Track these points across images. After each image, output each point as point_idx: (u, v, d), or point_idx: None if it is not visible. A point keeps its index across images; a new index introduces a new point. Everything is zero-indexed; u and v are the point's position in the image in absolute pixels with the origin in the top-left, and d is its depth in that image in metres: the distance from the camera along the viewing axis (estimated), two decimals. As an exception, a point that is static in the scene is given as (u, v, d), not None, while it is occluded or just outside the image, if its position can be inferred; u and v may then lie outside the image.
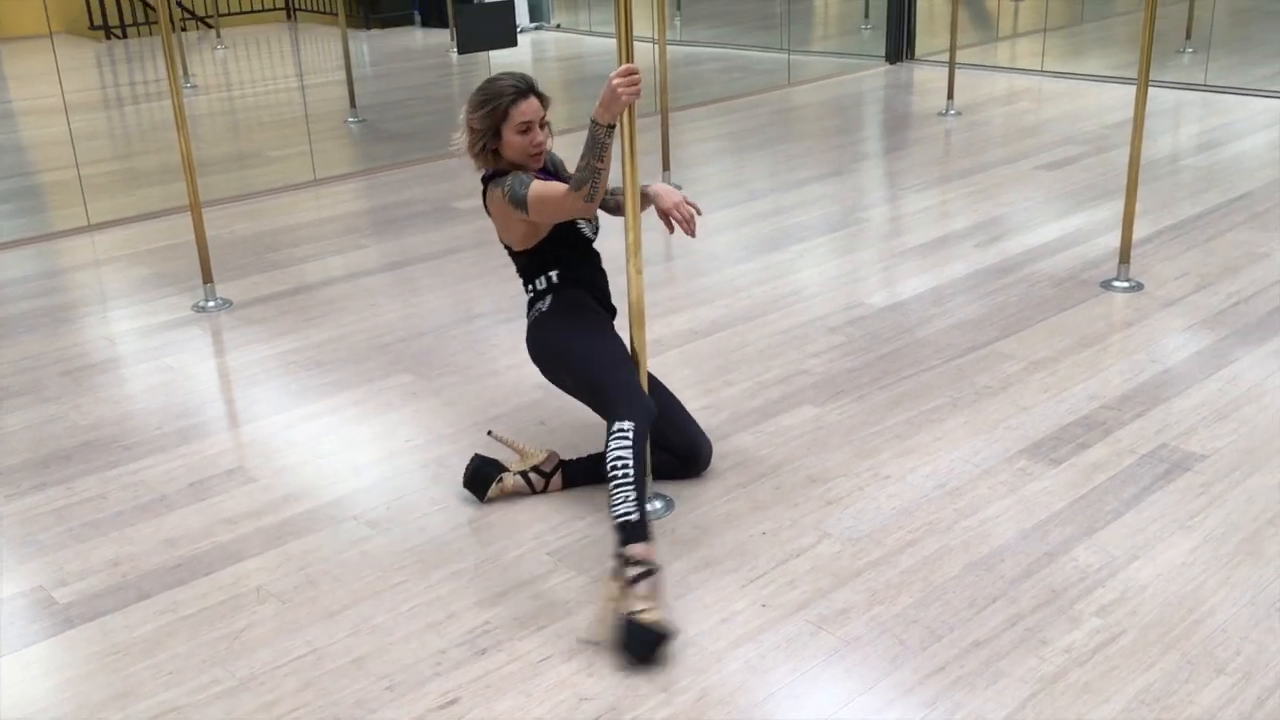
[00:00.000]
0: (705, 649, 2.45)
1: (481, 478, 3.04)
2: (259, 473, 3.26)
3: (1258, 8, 11.57)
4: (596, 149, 2.70)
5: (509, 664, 2.43)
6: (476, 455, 3.08)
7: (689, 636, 2.49)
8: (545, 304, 3.09)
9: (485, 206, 3.12)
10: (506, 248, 3.15)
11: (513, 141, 2.98)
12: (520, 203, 2.93)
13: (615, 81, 2.60)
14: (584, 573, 2.74)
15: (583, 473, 3.08)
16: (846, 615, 2.55)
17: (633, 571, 2.48)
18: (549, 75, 10.41)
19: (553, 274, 3.07)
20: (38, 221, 5.97)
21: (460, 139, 3.06)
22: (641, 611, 2.43)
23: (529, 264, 3.11)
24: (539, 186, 2.90)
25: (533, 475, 3.05)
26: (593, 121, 2.69)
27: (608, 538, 2.86)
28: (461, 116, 3.04)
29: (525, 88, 2.97)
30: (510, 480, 3.04)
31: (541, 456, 3.07)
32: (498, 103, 2.96)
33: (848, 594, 2.63)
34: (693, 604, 2.61)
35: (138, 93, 9.76)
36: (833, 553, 2.79)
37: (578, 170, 2.76)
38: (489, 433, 3.19)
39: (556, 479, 3.07)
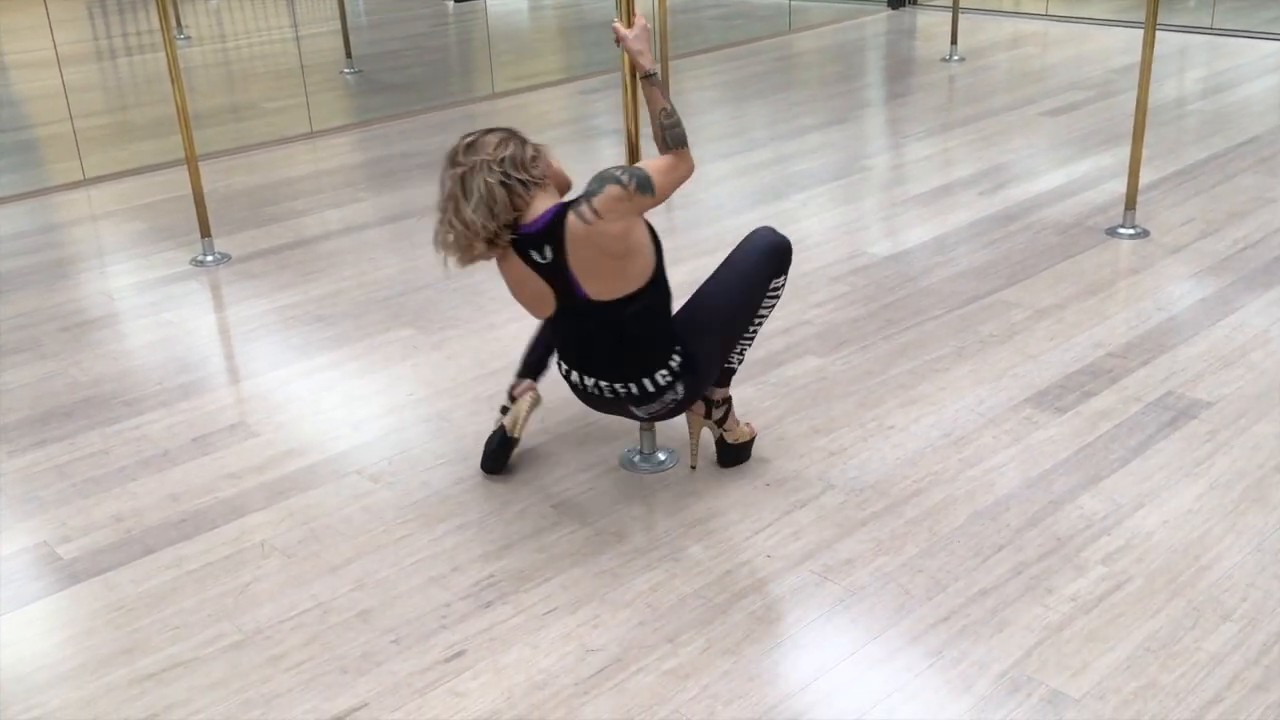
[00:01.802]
0: (710, 600, 2.45)
1: (500, 451, 2.94)
2: (261, 427, 3.25)
3: (1265, -51, 11.40)
4: (661, 99, 2.55)
5: (514, 616, 2.43)
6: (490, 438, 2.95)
7: (694, 588, 2.49)
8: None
9: (562, 263, 2.51)
10: (618, 304, 2.57)
11: (552, 163, 2.67)
12: (648, 184, 2.48)
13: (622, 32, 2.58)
14: (588, 525, 2.73)
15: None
16: (851, 565, 2.55)
17: (719, 409, 2.84)
18: (546, 23, 10.29)
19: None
20: (32, 176, 5.91)
21: (450, 238, 2.60)
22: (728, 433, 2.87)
23: (663, 296, 2.64)
24: (645, 163, 2.54)
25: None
26: (646, 77, 2.59)
27: (611, 490, 2.86)
28: (451, 208, 2.56)
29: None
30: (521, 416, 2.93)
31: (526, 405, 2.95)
32: (510, 134, 2.61)
33: (853, 544, 2.62)
34: (696, 555, 2.60)
35: (130, 45, 9.65)
36: (837, 503, 2.78)
37: (669, 129, 2.54)
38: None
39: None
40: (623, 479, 2.92)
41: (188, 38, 9.06)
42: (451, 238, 2.59)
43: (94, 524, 2.83)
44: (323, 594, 2.53)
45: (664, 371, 2.63)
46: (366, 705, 2.20)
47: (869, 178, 5.20)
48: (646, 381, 2.63)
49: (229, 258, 4.53)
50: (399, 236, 4.70)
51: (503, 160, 2.54)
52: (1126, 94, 6.30)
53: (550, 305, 2.63)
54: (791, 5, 9.05)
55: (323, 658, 2.33)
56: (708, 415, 2.87)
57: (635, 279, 2.56)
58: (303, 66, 7.28)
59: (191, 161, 4.48)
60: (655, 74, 2.61)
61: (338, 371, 3.57)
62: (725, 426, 2.90)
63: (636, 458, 2.99)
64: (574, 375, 2.74)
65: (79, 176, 5.63)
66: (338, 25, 7.90)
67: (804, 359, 3.50)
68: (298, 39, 8.43)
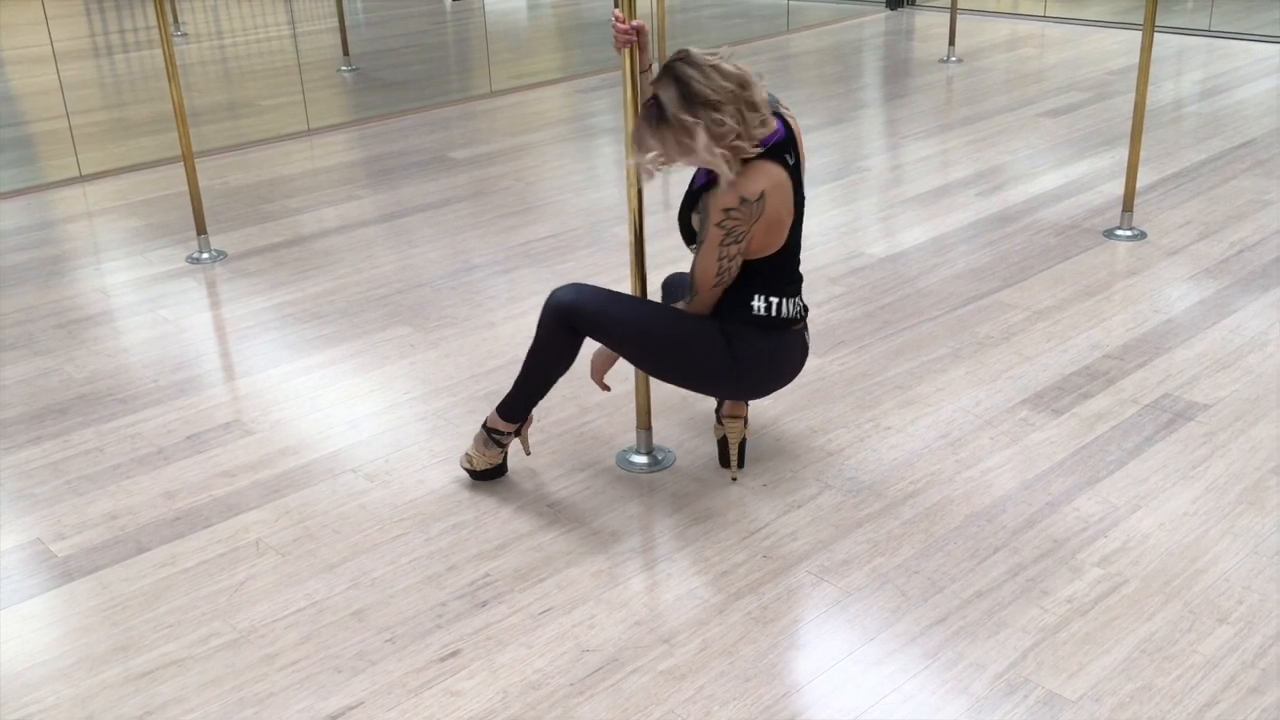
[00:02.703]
0: (707, 601, 2.45)
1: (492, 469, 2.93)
2: (256, 425, 3.24)
3: (1263, -48, 11.41)
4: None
5: (510, 616, 2.42)
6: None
7: (690, 588, 2.49)
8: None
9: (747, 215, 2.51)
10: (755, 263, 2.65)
11: None
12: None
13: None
14: (584, 524, 2.73)
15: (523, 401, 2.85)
16: (848, 566, 2.55)
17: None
18: (544, 21, 10.28)
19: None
20: (28, 173, 5.90)
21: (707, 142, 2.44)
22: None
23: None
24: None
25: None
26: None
27: (608, 490, 2.85)
28: (702, 112, 2.43)
29: None
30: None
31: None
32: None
33: (849, 545, 2.62)
34: (694, 556, 2.60)
35: (128, 41, 9.62)
36: (834, 504, 2.77)
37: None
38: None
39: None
40: (619, 479, 2.92)
41: (185, 34, 9.05)
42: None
43: (88, 521, 2.82)
44: (317, 593, 2.52)
45: None
46: (361, 704, 2.20)
47: (867, 178, 5.20)
48: None
49: (225, 255, 4.52)
50: (396, 234, 4.70)
51: None
52: (1124, 96, 6.30)
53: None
54: (790, 5, 9.05)
55: (317, 657, 2.32)
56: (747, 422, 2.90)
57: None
58: (300, 64, 7.27)
59: (188, 158, 4.47)
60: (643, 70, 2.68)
61: (334, 369, 3.56)
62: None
63: (633, 457, 2.98)
64: (795, 305, 2.71)
65: (75, 173, 5.61)
66: (335, 23, 7.89)
67: (801, 359, 3.50)
68: (295, 36, 8.42)
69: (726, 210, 2.50)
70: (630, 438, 3.04)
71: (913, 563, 2.55)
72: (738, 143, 2.46)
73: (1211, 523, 2.66)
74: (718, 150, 2.45)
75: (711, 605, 2.43)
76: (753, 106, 2.48)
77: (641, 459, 2.97)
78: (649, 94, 2.61)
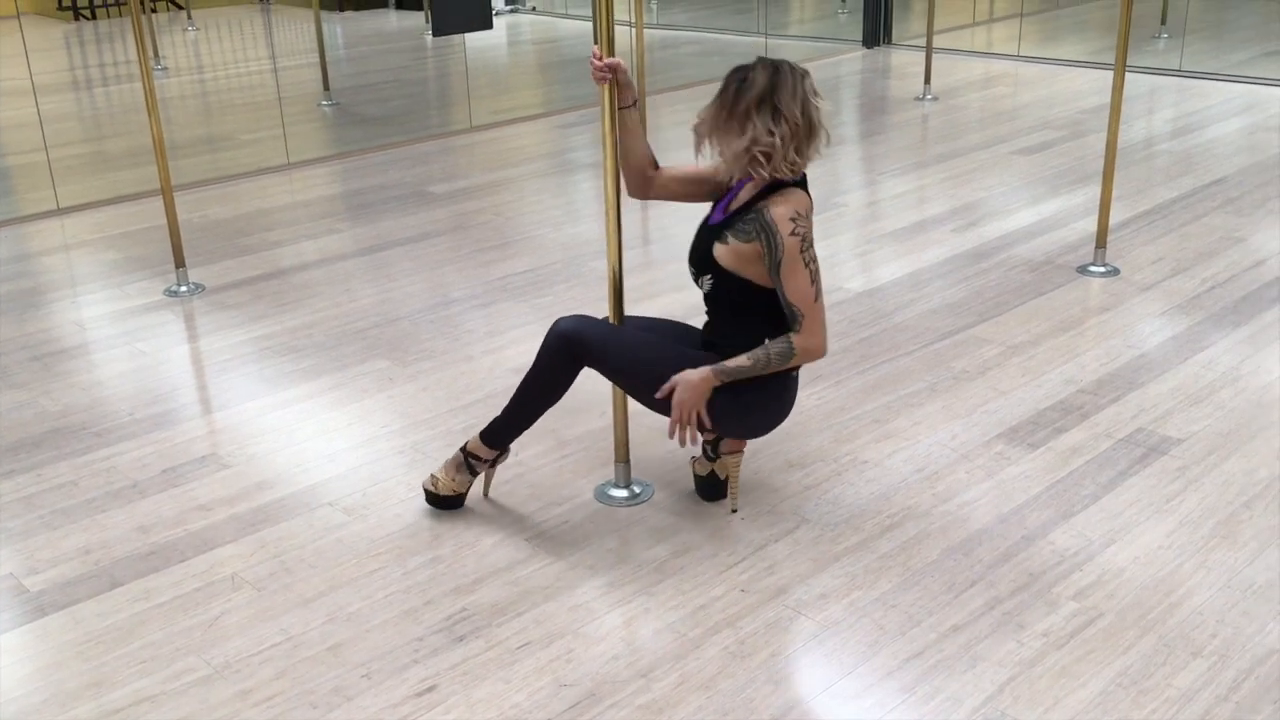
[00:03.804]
0: (684, 635, 2.44)
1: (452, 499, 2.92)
2: (232, 459, 3.22)
3: (1231, -6, 11.62)
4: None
5: (487, 650, 2.41)
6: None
7: (668, 622, 2.49)
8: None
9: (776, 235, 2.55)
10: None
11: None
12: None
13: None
14: (562, 558, 2.72)
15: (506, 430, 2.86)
16: (826, 600, 2.55)
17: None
18: (525, 59, 10.35)
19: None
20: (5, 205, 5.88)
21: (771, 141, 2.52)
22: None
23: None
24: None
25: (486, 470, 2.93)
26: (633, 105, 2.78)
27: (586, 524, 2.85)
28: (765, 118, 2.53)
29: None
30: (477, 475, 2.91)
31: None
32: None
33: (827, 579, 2.62)
34: (670, 590, 2.60)
35: (107, 75, 9.63)
36: (811, 537, 2.78)
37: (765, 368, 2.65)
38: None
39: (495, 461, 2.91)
40: (597, 513, 2.92)
41: (165, 68, 9.05)
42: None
43: (61, 556, 2.79)
44: (293, 627, 2.50)
45: None
46: (336, 741, 2.18)
47: (844, 214, 5.25)
48: None
49: (203, 288, 4.52)
50: (375, 268, 4.70)
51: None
52: (1097, 134, 6.38)
53: None
54: (768, 43, 9.14)
55: (293, 692, 2.31)
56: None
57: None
58: (280, 98, 7.29)
59: (167, 192, 4.47)
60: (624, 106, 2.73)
61: (312, 403, 3.55)
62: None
63: (611, 491, 2.98)
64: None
65: (53, 206, 5.60)
66: (316, 57, 7.92)
67: (779, 393, 3.51)
68: (276, 71, 8.45)
69: (793, 219, 2.54)
70: (609, 471, 3.04)
71: (890, 596, 2.56)
72: (771, 159, 2.53)
73: (1185, 556, 2.67)
74: (752, 149, 2.52)
75: (689, 639, 2.43)
76: (800, 150, 2.56)
77: (620, 492, 2.97)
78: (633, 132, 2.66)
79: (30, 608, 2.60)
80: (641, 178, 2.82)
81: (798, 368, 2.72)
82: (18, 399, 3.62)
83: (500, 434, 2.84)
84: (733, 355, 2.64)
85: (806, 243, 2.56)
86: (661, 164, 2.86)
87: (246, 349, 3.96)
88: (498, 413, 2.85)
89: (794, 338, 2.60)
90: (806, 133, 2.57)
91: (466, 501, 2.93)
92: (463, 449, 2.87)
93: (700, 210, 2.84)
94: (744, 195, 2.66)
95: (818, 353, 2.62)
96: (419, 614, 2.54)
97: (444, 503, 2.91)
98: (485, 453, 2.85)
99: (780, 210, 2.55)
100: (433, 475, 2.92)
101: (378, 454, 3.23)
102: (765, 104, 2.54)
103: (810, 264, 2.57)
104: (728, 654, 2.38)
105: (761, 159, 2.54)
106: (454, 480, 2.89)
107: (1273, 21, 10.20)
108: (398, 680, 2.33)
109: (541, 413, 2.81)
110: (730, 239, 2.62)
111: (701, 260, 2.72)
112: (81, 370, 3.82)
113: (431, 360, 3.82)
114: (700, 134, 2.65)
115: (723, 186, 2.77)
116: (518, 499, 2.98)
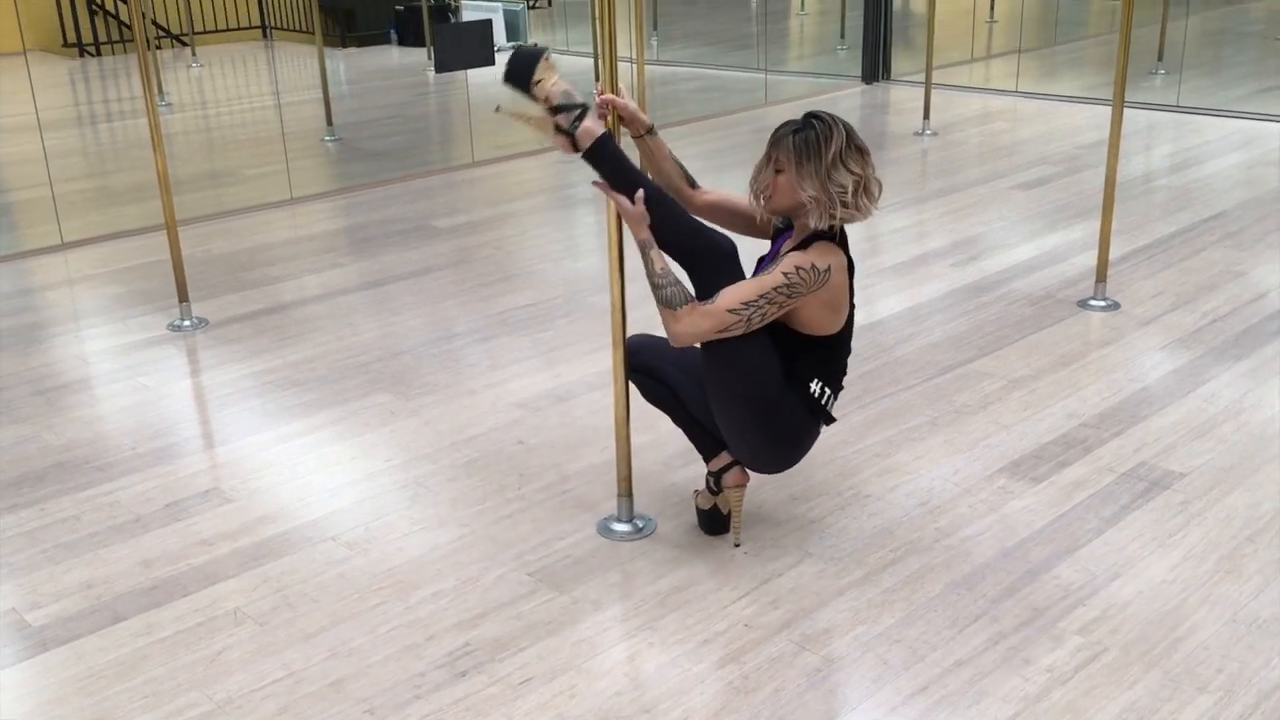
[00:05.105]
0: (688, 670, 2.44)
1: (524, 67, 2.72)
2: (235, 493, 3.22)
3: (1228, 30, 11.72)
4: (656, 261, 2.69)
5: (490, 686, 2.41)
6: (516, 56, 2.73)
7: (671, 657, 2.48)
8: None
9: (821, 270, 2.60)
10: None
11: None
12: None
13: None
14: (565, 593, 2.72)
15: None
16: (829, 635, 2.54)
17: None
18: (526, 94, 10.41)
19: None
20: (9, 240, 5.91)
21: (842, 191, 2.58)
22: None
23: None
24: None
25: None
26: (649, 132, 2.84)
27: (588, 558, 2.84)
28: (838, 168, 2.58)
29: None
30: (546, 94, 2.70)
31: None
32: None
33: (830, 614, 2.62)
34: (674, 624, 2.59)
35: (112, 110, 9.70)
36: (815, 572, 2.78)
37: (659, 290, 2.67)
38: (497, 108, 2.84)
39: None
40: (600, 547, 2.91)
41: (169, 104, 9.12)
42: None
43: (64, 590, 2.79)
44: (295, 663, 2.50)
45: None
46: (339, 777, 2.17)
47: (844, 248, 5.26)
48: None
49: (206, 323, 4.53)
50: (377, 302, 4.72)
51: None
52: (1095, 169, 6.42)
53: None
54: (768, 79, 9.21)
55: (295, 728, 2.30)
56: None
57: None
58: (284, 133, 7.34)
59: (171, 227, 4.50)
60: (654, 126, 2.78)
61: (314, 437, 3.56)
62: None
63: (614, 525, 2.98)
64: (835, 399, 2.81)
65: (57, 240, 5.62)
66: (319, 93, 7.98)
67: (781, 427, 3.51)
68: (279, 106, 8.51)
69: (798, 267, 2.57)
70: (611, 505, 3.04)
71: (894, 631, 2.55)
72: (846, 205, 2.59)
73: (1190, 591, 2.67)
74: (819, 196, 2.57)
75: (693, 674, 2.42)
76: (869, 193, 2.64)
77: (623, 527, 2.97)
78: (656, 156, 2.78)
79: (32, 643, 2.59)
80: (679, 197, 2.84)
81: (823, 418, 2.76)
82: (21, 433, 3.63)
83: (699, 448, 2.88)
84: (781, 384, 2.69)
85: (786, 290, 2.56)
86: (703, 185, 2.91)
87: (249, 383, 3.97)
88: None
89: (696, 305, 2.59)
90: (872, 180, 2.64)
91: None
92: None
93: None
94: (785, 252, 2.68)
95: (682, 333, 2.60)
96: (421, 649, 2.53)
97: (701, 520, 2.96)
98: (709, 466, 2.87)
99: (799, 258, 2.58)
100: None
101: (380, 488, 3.23)
102: (849, 151, 2.60)
103: (763, 303, 2.56)
104: (732, 689, 2.37)
105: (838, 203, 2.58)
106: (698, 497, 2.96)
107: (1269, 58, 10.29)
108: (400, 716, 2.32)
109: (684, 417, 2.85)
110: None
111: None
112: (84, 405, 3.83)
113: (434, 394, 3.83)
114: (758, 189, 2.66)
115: (759, 229, 2.81)
116: (520, 533, 2.98)
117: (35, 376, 4.06)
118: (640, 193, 2.62)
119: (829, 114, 2.64)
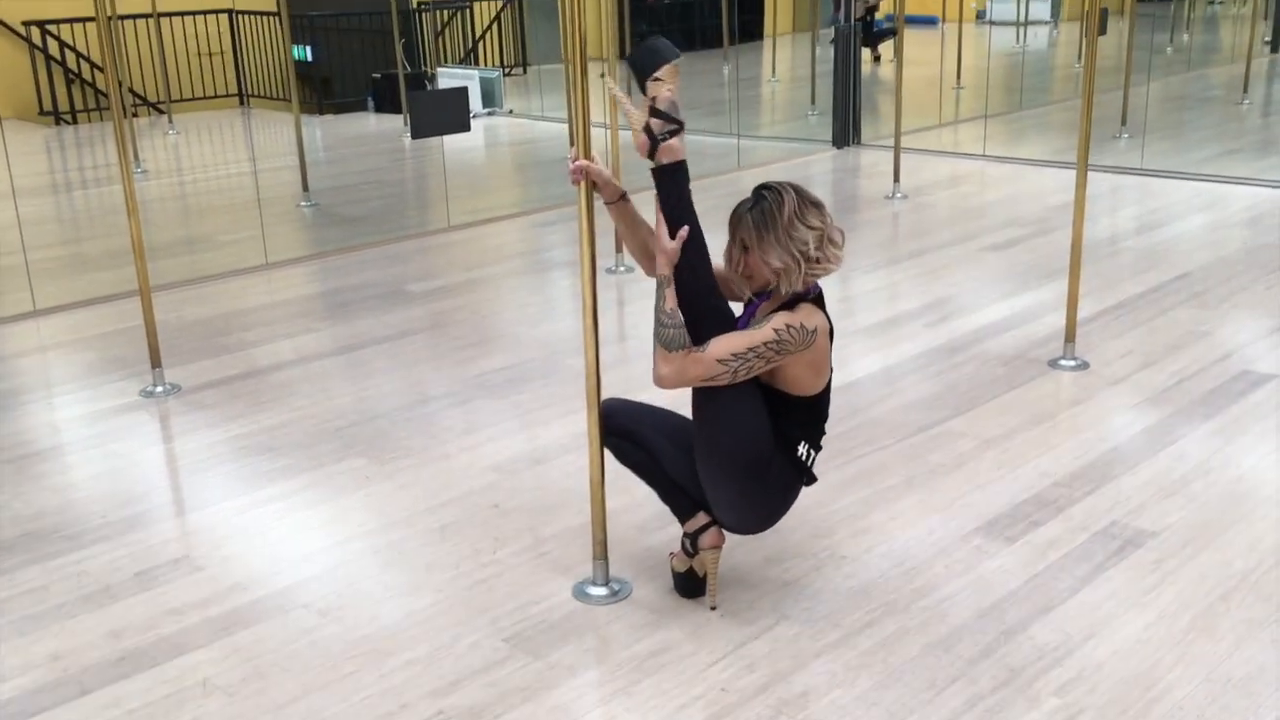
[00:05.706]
0: (664, 736, 2.41)
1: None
2: (206, 561, 3.19)
3: (1189, 95, 11.98)
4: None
5: (464, 755, 2.37)
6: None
7: (648, 723, 2.46)
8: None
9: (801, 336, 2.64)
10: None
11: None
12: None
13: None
14: (540, 658, 2.69)
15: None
16: (807, 698, 2.53)
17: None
18: (502, 160, 10.52)
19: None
20: (-19, 307, 5.88)
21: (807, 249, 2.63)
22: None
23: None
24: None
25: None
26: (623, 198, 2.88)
27: (564, 623, 2.82)
28: (797, 227, 2.63)
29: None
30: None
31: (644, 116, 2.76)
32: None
33: (807, 677, 2.60)
34: (650, 689, 2.57)
35: (87, 177, 9.71)
36: (791, 634, 2.77)
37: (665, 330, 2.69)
38: (601, 75, 2.86)
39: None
40: (576, 611, 2.90)
41: (145, 171, 9.14)
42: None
43: (30, 663, 2.74)
44: (266, 734, 2.46)
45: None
46: None
47: (817, 310, 5.31)
48: None
49: (179, 388, 4.51)
50: (353, 366, 4.71)
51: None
52: (1063, 230, 6.51)
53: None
54: (740, 144, 9.33)
55: (265, 801, 2.26)
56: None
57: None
58: (260, 199, 7.36)
59: (145, 293, 4.49)
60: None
61: (287, 503, 3.53)
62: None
63: (590, 589, 2.96)
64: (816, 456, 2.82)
65: (30, 307, 5.60)
66: (296, 159, 8.02)
67: (756, 489, 3.51)
68: (255, 172, 8.54)
69: (789, 325, 2.61)
70: (587, 568, 3.03)
71: (871, 694, 2.54)
72: (816, 260, 2.64)
73: (1164, 650, 2.67)
74: (787, 262, 2.61)
75: (669, 741, 2.40)
76: (833, 240, 2.69)
77: (599, 590, 2.96)
78: (630, 221, 2.82)
79: (-4, 716, 2.54)
80: (653, 260, 2.86)
81: (804, 479, 2.78)
82: (-11, 502, 3.59)
83: (674, 511, 2.88)
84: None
85: (776, 346, 2.59)
86: None
87: (222, 449, 3.94)
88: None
89: (691, 351, 2.62)
90: (832, 228, 2.69)
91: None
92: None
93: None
94: (760, 315, 2.69)
95: (668, 376, 2.64)
96: (395, 718, 2.50)
97: (676, 583, 2.95)
98: (684, 529, 2.86)
99: (788, 317, 2.62)
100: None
101: (354, 554, 3.20)
102: (804, 207, 2.65)
103: (752, 357, 2.59)
104: (708, 755, 2.35)
105: (805, 260, 2.62)
106: (674, 558, 2.95)
107: (1230, 121, 10.52)
108: (373, 787, 2.29)
109: (658, 479, 2.86)
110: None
111: None
112: (55, 472, 3.79)
113: (409, 458, 3.82)
114: (740, 273, 2.71)
115: (731, 295, 2.83)
116: (495, 598, 2.96)
117: (6, 445, 4.02)
118: (684, 231, 2.66)
119: (776, 182, 2.70)
